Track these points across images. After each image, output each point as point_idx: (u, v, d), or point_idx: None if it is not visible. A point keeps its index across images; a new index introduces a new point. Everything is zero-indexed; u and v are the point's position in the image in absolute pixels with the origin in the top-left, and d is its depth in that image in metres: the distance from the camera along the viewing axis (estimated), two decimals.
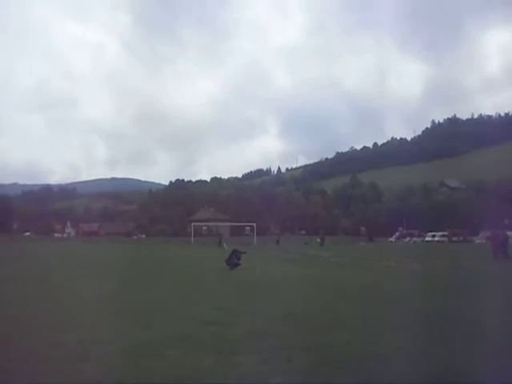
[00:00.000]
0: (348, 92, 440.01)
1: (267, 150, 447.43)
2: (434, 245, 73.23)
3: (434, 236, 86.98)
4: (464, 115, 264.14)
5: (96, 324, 9.52)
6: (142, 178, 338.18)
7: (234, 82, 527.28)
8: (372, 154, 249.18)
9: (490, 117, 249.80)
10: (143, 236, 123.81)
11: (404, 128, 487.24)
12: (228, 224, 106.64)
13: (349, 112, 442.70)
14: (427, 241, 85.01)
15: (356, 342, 8.00)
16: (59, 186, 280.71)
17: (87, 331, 8.68)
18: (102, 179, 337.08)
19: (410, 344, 7.85)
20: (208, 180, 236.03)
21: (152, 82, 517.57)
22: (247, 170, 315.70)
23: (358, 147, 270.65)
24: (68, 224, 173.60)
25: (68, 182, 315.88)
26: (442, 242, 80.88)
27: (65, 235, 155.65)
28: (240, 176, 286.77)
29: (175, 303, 12.27)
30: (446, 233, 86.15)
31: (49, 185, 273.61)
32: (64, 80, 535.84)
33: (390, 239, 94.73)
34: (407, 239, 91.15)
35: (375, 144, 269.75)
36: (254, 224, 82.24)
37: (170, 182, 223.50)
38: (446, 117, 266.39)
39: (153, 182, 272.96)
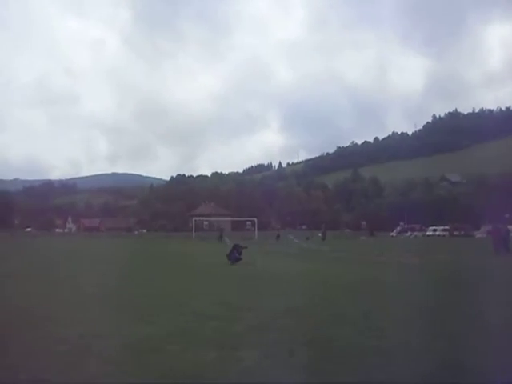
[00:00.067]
0: (349, 86, 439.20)
1: (268, 144, 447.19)
2: (435, 239, 73.22)
3: (435, 230, 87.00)
4: (465, 109, 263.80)
5: (97, 319, 9.53)
6: (143, 174, 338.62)
7: (235, 76, 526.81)
8: (373, 148, 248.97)
9: (491, 111, 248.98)
10: (144, 231, 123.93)
11: (405, 122, 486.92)
12: (229, 219, 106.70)
13: (350, 106, 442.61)
14: (428, 235, 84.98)
15: (357, 336, 8.02)
16: (60, 181, 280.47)
17: (89, 326, 8.70)
18: (102, 174, 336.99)
19: (412, 338, 7.88)
20: (209, 175, 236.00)
21: (153, 77, 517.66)
22: (248, 165, 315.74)
23: (359, 142, 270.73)
24: (69, 219, 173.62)
25: (69, 177, 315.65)
26: (443, 236, 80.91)
27: (66, 230, 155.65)
28: (241, 171, 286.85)
29: (176, 298, 12.29)
30: (447, 227, 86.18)
31: (50, 180, 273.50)
32: (65, 75, 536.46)
33: (391, 234, 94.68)
34: (408, 234, 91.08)
35: (376, 138, 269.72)
36: (255, 219, 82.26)
37: (171, 177, 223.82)
38: (447, 111, 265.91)
39: (154, 178, 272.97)
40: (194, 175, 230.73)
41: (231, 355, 6.86)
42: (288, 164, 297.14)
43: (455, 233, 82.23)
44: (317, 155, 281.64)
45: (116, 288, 14.39)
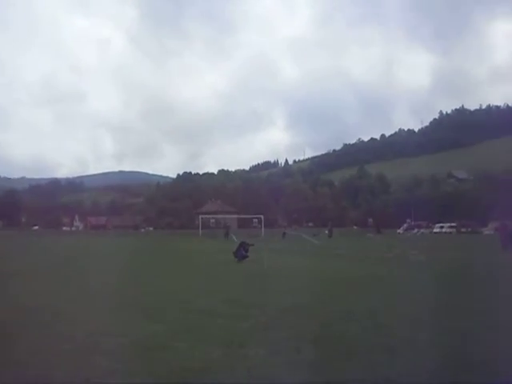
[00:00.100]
0: (355, 83, 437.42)
1: (274, 142, 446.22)
2: (442, 236, 73.00)
3: (442, 227, 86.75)
4: (472, 106, 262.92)
5: (105, 317, 9.56)
6: (150, 171, 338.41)
7: (241, 74, 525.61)
8: (379, 145, 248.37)
9: (498, 107, 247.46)
10: (151, 229, 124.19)
11: (411, 119, 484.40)
12: (235, 216, 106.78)
13: (356, 103, 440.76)
14: (435, 232, 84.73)
15: (364, 333, 8.02)
16: (67, 179, 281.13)
17: (96, 324, 8.73)
18: (109, 172, 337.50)
19: (419, 335, 7.88)
20: (215, 173, 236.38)
21: (159, 75, 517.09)
22: (254, 163, 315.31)
23: (366, 139, 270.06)
24: (76, 217, 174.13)
25: (75, 175, 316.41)
26: (450, 233, 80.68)
27: (73, 229, 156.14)
28: (247, 168, 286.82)
29: (183, 296, 12.31)
30: (454, 224, 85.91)
31: (56, 179, 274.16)
32: (71, 74, 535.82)
33: (398, 231, 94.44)
34: (415, 231, 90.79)
35: (383, 135, 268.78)
36: (262, 216, 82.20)
37: (178, 174, 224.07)
38: (453, 107, 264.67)
39: (160, 175, 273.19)
40: (201, 173, 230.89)
41: (238, 352, 6.87)
42: (294, 161, 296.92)
43: (462, 230, 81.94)
44: (323, 152, 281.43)
45: (123, 286, 14.45)
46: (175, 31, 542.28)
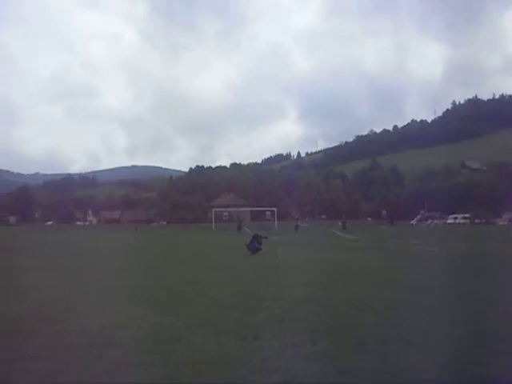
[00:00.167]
0: (367, 75, 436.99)
1: (287, 134, 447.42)
2: (456, 227, 72.67)
3: (455, 218, 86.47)
4: (485, 96, 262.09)
5: (119, 310, 9.55)
6: (163, 165, 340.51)
7: (253, 67, 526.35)
8: (392, 136, 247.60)
9: (511, 97, 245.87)
10: (165, 223, 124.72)
11: (424, 110, 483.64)
12: (248, 209, 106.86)
13: (368, 95, 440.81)
14: (449, 223, 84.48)
15: (380, 324, 7.96)
16: (80, 174, 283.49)
17: (110, 317, 8.71)
18: (122, 167, 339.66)
19: (434, 326, 7.82)
20: (228, 166, 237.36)
21: (170, 69, 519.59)
22: (267, 155, 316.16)
23: (378, 130, 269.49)
24: (89, 212, 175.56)
25: (89, 170, 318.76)
26: (464, 224, 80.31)
27: (87, 223, 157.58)
28: (260, 161, 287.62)
29: (197, 288, 12.27)
30: (467, 215, 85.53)
31: (70, 174, 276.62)
32: (83, 69, 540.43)
33: (412, 222, 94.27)
34: (429, 222, 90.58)
35: (395, 127, 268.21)
36: (275, 209, 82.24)
37: (190, 168, 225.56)
38: (466, 97, 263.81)
39: (173, 169, 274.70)
40: (213, 166, 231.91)
41: (253, 345, 6.84)
42: (307, 154, 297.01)
43: (476, 221, 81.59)
44: (335, 144, 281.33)
45: (137, 279, 14.49)
46: (186, 25, 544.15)
